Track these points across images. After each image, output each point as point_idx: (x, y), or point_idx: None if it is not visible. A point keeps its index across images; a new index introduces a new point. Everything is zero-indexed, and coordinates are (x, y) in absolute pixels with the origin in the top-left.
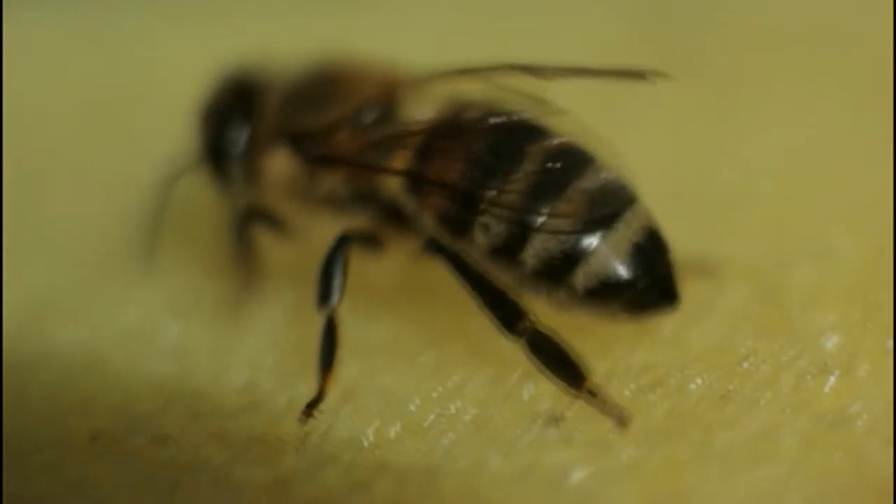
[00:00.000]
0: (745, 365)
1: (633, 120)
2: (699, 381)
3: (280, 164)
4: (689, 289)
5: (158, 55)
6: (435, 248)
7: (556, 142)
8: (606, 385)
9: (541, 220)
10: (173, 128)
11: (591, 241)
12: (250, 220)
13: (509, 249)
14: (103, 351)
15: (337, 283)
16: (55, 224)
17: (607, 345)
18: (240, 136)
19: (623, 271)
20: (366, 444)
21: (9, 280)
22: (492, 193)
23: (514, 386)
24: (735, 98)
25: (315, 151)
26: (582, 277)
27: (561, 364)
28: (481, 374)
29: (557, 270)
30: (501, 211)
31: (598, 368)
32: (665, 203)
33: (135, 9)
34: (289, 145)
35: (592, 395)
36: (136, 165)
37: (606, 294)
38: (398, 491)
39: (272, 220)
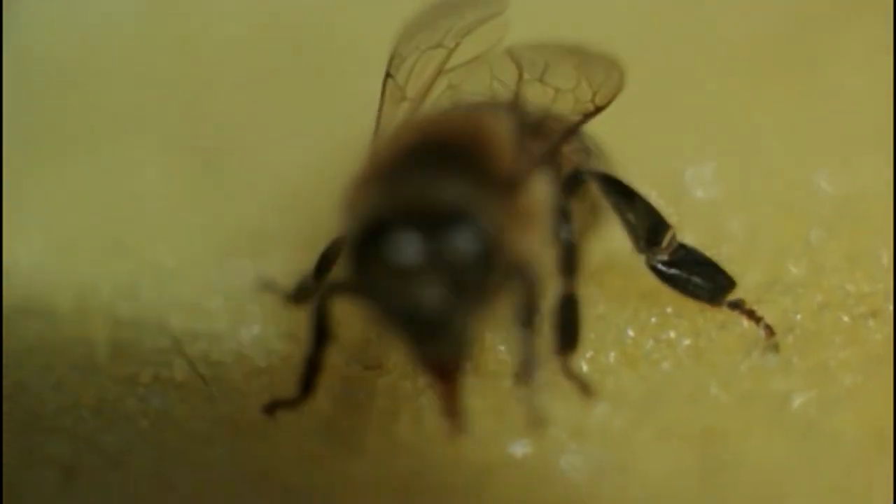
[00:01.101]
0: None
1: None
2: None
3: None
4: None
5: None
6: (581, 176)
7: None
8: (758, 304)
9: None
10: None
11: None
12: None
13: None
14: None
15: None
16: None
17: (822, 274)
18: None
19: None
20: (584, 370)
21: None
22: None
23: (730, 314)
24: None
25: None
26: None
27: (704, 277)
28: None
29: None
30: None
31: (814, 298)
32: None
33: None
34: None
35: (736, 308)
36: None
37: None
38: (616, 417)
39: None
